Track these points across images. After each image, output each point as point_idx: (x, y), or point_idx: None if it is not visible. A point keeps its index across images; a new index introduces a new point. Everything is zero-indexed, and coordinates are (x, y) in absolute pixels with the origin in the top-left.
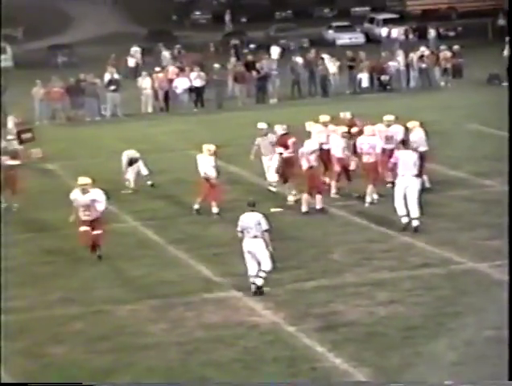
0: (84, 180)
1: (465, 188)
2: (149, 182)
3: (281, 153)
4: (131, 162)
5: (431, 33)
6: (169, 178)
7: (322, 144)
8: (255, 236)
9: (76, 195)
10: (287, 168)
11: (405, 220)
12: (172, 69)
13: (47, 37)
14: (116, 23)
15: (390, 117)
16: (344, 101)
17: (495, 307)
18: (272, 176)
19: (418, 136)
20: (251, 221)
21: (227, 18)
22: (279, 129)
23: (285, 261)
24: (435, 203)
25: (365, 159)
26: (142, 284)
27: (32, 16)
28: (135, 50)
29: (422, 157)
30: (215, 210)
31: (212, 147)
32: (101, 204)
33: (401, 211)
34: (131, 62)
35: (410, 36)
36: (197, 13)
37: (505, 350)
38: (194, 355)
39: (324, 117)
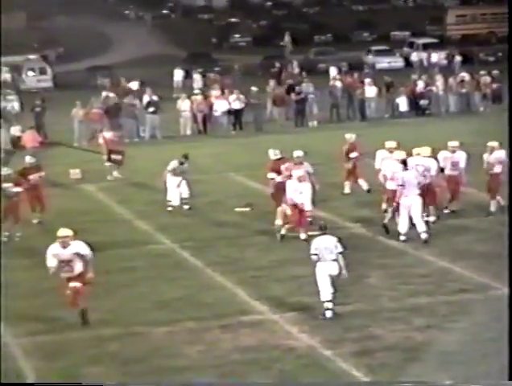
0: (64, 232)
1: (488, 214)
2: (186, 207)
3: (273, 179)
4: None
5: (457, 58)
6: (207, 201)
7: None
8: (334, 260)
9: (55, 250)
10: (279, 193)
11: (403, 238)
12: (214, 92)
13: (87, 58)
14: (155, 45)
15: (454, 143)
16: (382, 126)
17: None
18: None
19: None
20: (328, 244)
21: (286, 39)
22: (272, 154)
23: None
24: (473, 228)
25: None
26: (178, 306)
27: (72, 38)
28: (177, 72)
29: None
30: (303, 236)
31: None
32: (85, 257)
33: (402, 229)
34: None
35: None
36: (237, 36)
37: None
38: (230, 378)
39: (390, 144)
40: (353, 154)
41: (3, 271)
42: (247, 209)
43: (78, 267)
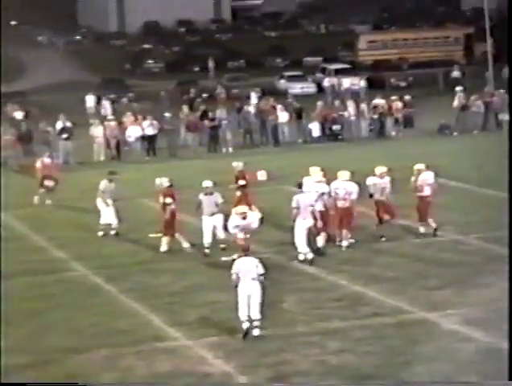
0: None
1: (416, 237)
2: (112, 232)
3: (169, 204)
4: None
5: (361, 84)
6: (121, 227)
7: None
8: (253, 279)
9: None
10: (173, 220)
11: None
12: (128, 118)
13: (1, 84)
14: (68, 71)
15: (383, 169)
16: (294, 150)
17: (445, 357)
18: (219, 233)
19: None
20: (249, 265)
21: (210, 64)
22: (160, 182)
23: (234, 311)
24: (386, 252)
25: (340, 204)
26: (92, 332)
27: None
28: (89, 98)
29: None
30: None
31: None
32: None
33: (302, 248)
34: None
35: (361, 85)
36: (150, 61)
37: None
38: None
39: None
40: (241, 182)
41: None
42: (160, 235)
43: None
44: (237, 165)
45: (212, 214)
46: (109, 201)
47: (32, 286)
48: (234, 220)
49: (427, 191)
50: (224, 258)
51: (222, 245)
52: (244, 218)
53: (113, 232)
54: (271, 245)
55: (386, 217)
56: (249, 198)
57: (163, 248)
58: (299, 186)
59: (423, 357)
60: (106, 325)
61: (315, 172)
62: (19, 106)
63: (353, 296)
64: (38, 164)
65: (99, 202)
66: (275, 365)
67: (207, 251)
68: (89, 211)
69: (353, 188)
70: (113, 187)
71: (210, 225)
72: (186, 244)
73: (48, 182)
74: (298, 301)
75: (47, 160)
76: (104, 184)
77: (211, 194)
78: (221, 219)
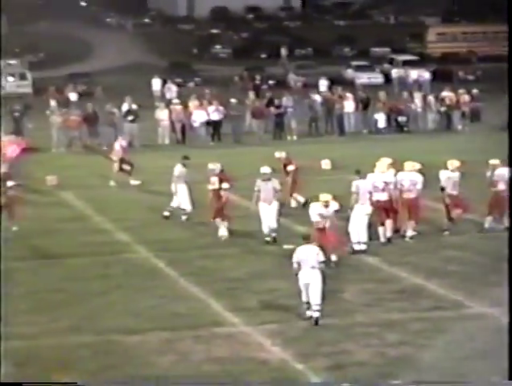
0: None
1: (480, 231)
2: (184, 217)
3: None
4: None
5: (425, 75)
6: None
7: None
8: (313, 267)
9: None
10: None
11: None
12: (192, 102)
13: (67, 65)
14: (136, 54)
15: (455, 163)
16: (359, 141)
17: (503, 353)
18: (272, 223)
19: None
20: (309, 253)
21: (283, 52)
22: (219, 167)
23: (294, 299)
24: (449, 245)
25: (406, 195)
26: (151, 315)
27: (53, 44)
28: (155, 81)
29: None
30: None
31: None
32: None
33: (354, 237)
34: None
35: (425, 77)
36: (217, 47)
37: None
38: None
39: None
40: (290, 167)
41: None
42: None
43: None
44: (281, 154)
45: (270, 201)
46: (184, 186)
47: (93, 267)
48: (317, 208)
49: (501, 186)
50: (286, 246)
51: (274, 234)
52: (326, 206)
53: (184, 217)
54: None
55: (458, 211)
56: (296, 184)
57: (223, 232)
58: (358, 172)
59: (481, 352)
60: (165, 308)
61: (383, 163)
62: (85, 87)
63: (413, 288)
64: (116, 146)
65: (173, 186)
66: (333, 354)
67: (267, 239)
68: (154, 194)
69: (418, 179)
70: (186, 172)
71: (268, 212)
72: (224, 232)
73: (126, 166)
74: (358, 292)
75: (124, 143)
76: (178, 169)
77: (269, 180)
78: (276, 208)
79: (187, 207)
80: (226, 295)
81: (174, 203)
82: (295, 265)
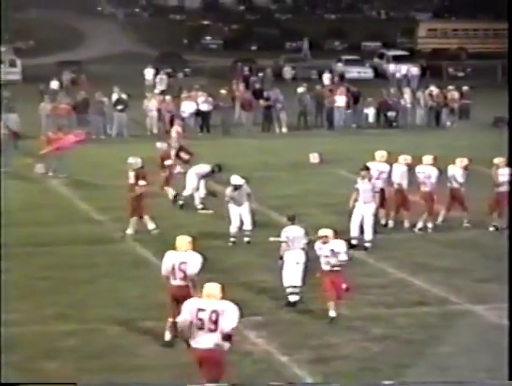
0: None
1: (466, 229)
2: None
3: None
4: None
5: (413, 71)
6: (167, 202)
7: None
8: (302, 248)
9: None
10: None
11: (354, 241)
12: (184, 93)
13: (57, 53)
14: (126, 43)
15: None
16: (348, 135)
17: (489, 349)
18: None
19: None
20: (298, 233)
21: (305, 45)
22: (139, 162)
23: (280, 291)
24: (436, 242)
25: (421, 188)
26: (136, 305)
27: (44, 31)
28: (148, 71)
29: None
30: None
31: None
32: None
33: (354, 232)
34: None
35: (413, 73)
36: (208, 38)
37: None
38: (184, 380)
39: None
40: (168, 162)
41: None
42: (210, 212)
43: None
44: (162, 145)
45: (241, 203)
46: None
47: (80, 255)
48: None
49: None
50: (272, 238)
51: (247, 239)
52: (325, 243)
53: (181, 202)
54: (320, 227)
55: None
56: (171, 179)
57: (131, 231)
58: (365, 168)
59: (465, 349)
60: (150, 298)
61: (379, 154)
62: (75, 75)
63: (399, 283)
64: (173, 133)
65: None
66: (317, 348)
67: (233, 239)
68: None
69: (433, 172)
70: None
71: (237, 213)
72: (152, 226)
73: (184, 155)
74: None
75: (180, 129)
76: (204, 169)
77: (240, 188)
78: (247, 208)
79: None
80: None
81: (186, 192)
82: (284, 245)
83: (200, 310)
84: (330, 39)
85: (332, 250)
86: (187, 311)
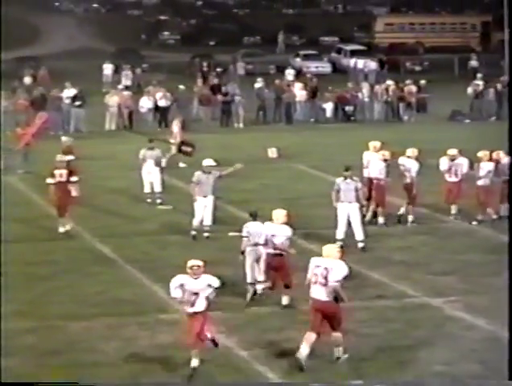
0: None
1: (422, 223)
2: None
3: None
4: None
5: (371, 66)
6: (127, 195)
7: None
8: (264, 244)
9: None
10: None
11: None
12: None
13: (15, 48)
14: (84, 39)
15: (454, 151)
16: (307, 129)
17: (446, 342)
18: (206, 218)
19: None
20: (259, 229)
21: (280, 38)
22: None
23: (239, 286)
24: (391, 236)
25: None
26: (96, 301)
27: (1, 27)
28: (107, 66)
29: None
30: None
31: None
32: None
33: (340, 234)
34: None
35: (371, 68)
36: (166, 33)
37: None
38: (144, 375)
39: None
40: (69, 157)
41: None
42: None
43: None
44: (66, 140)
45: (206, 194)
46: (153, 168)
47: (38, 252)
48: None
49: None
50: (231, 233)
51: (206, 234)
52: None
53: (159, 201)
54: None
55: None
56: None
57: (62, 229)
58: (347, 169)
59: (424, 342)
60: (110, 293)
61: (374, 146)
62: (33, 71)
63: (357, 277)
64: (174, 129)
65: (142, 172)
66: (276, 342)
67: (194, 233)
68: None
69: (414, 166)
70: (157, 154)
71: (202, 206)
72: (70, 226)
73: (186, 148)
74: (303, 280)
75: (180, 124)
76: (143, 153)
77: (209, 173)
78: (212, 202)
79: (158, 189)
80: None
81: (146, 189)
82: (245, 240)
83: (317, 266)
84: (288, 33)
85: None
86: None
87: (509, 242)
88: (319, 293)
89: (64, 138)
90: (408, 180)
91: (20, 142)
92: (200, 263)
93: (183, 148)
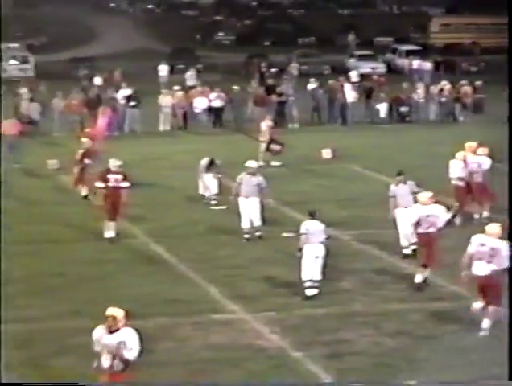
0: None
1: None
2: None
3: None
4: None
5: (426, 66)
6: (183, 196)
7: None
8: (321, 243)
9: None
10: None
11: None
12: (195, 89)
13: (70, 49)
14: (139, 39)
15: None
16: (361, 130)
17: (501, 345)
18: (255, 220)
19: None
20: (317, 227)
21: (350, 38)
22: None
23: (294, 287)
24: (450, 238)
25: (474, 178)
26: (150, 301)
27: (57, 27)
28: (162, 68)
29: None
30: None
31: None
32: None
33: (404, 241)
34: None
35: (426, 68)
36: (221, 34)
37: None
38: (198, 376)
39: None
40: (87, 161)
41: None
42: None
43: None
44: (85, 142)
45: (247, 196)
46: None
47: (93, 252)
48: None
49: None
50: (285, 234)
51: (258, 233)
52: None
53: (214, 202)
54: (333, 223)
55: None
56: (84, 176)
57: (108, 234)
58: (400, 173)
59: (480, 345)
60: (164, 294)
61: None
62: (87, 71)
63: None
64: (263, 127)
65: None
66: (331, 343)
67: (247, 236)
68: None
69: (486, 161)
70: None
71: (247, 207)
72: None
73: (275, 146)
74: (357, 282)
75: (270, 122)
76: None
77: (253, 174)
78: (257, 204)
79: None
80: (225, 282)
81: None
82: (303, 237)
83: (481, 244)
84: (343, 34)
85: None
86: (473, 245)
87: (508, 238)
88: (482, 270)
89: (84, 139)
90: (480, 179)
91: (96, 140)
92: (119, 313)
93: (272, 146)
